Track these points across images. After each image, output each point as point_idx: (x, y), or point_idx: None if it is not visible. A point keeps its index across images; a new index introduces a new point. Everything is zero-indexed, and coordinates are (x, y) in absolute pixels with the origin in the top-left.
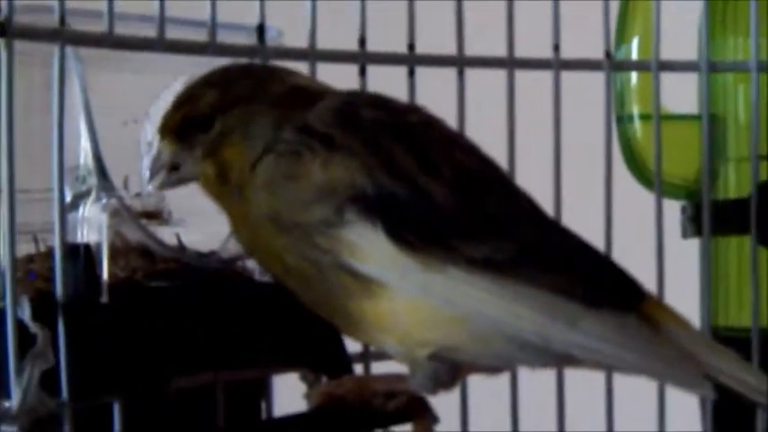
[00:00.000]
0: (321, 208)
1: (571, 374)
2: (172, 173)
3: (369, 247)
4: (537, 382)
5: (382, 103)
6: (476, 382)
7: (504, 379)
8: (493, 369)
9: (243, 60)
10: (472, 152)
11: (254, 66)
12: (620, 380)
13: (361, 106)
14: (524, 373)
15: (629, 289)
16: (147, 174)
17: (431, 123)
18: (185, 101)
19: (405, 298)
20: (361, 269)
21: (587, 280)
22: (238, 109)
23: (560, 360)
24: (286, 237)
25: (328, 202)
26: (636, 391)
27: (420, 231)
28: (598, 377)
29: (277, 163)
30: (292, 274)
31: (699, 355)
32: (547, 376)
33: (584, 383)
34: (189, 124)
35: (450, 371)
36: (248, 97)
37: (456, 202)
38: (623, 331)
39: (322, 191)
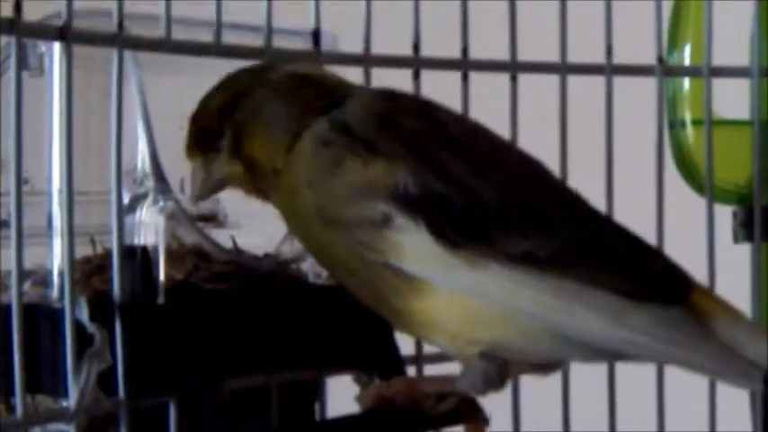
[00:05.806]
0: (364, 206)
1: (622, 371)
2: (203, 182)
3: (412, 246)
4: (588, 381)
5: (423, 112)
6: (527, 382)
7: (555, 379)
8: (544, 368)
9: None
10: (516, 155)
11: (253, 65)
12: (671, 372)
13: (401, 114)
14: (575, 372)
15: (675, 281)
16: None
17: (475, 131)
18: (198, 114)
19: (449, 296)
20: (405, 267)
21: (632, 274)
22: (242, 103)
23: (609, 355)
24: (333, 230)
25: (371, 200)
26: (688, 382)
27: (462, 229)
28: (650, 372)
29: (318, 161)
30: (342, 267)
31: (750, 345)
32: (598, 375)
33: (636, 380)
34: (205, 135)
35: (500, 370)
36: (247, 89)
37: (498, 198)
38: (669, 326)
39: (364, 189)
